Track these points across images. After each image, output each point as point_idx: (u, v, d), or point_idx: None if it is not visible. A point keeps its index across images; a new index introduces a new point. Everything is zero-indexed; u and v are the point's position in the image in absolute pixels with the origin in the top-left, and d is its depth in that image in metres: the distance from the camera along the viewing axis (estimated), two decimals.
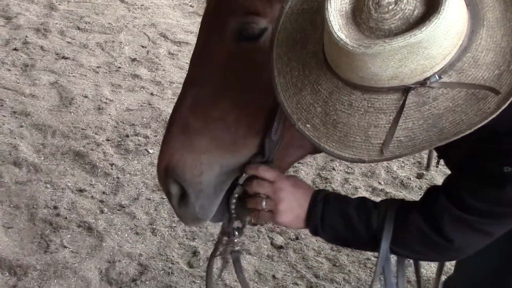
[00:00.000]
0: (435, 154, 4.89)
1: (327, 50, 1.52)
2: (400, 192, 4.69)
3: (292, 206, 1.84)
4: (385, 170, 4.95)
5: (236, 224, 1.99)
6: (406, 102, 1.43)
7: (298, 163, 4.99)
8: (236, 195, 1.93)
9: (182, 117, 1.87)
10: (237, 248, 2.03)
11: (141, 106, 5.61)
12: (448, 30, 1.40)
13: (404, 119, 1.44)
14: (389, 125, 1.44)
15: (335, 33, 1.42)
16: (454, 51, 1.44)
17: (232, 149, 1.86)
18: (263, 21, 1.75)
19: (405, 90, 1.43)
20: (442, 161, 2.12)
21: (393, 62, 1.39)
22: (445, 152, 1.87)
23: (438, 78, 1.43)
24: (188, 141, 1.85)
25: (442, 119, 1.42)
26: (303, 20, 1.64)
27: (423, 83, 1.43)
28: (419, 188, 4.75)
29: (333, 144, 1.50)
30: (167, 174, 1.89)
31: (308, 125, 1.53)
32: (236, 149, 1.86)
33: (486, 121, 1.41)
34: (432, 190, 1.84)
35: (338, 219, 1.82)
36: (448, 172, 1.92)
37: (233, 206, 1.94)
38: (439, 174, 4.82)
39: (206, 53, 1.87)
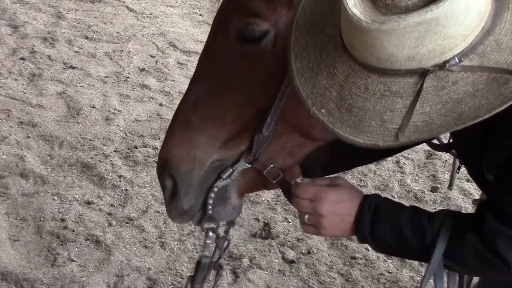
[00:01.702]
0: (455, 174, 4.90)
1: (343, 29, 1.50)
2: (414, 202, 4.67)
3: (335, 222, 1.84)
4: (398, 183, 4.95)
5: (210, 224, 2.01)
6: (424, 86, 1.41)
7: None
8: (216, 189, 1.96)
9: (183, 113, 1.94)
10: (206, 253, 2.07)
11: (150, 116, 5.64)
12: (468, 8, 1.36)
13: (421, 104, 1.42)
14: (406, 110, 1.42)
15: (350, 9, 1.40)
16: (475, 33, 1.40)
17: (225, 145, 1.91)
18: (265, 24, 1.78)
19: (423, 73, 1.41)
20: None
21: (409, 41, 1.36)
22: (474, 161, 1.82)
23: (458, 61, 1.40)
24: (186, 137, 1.91)
25: (461, 104, 1.40)
26: (322, 4, 1.64)
27: (442, 66, 1.40)
28: (433, 202, 4.74)
29: (348, 129, 1.49)
30: (163, 168, 1.95)
31: (322, 110, 1.53)
32: (229, 146, 1.91)
33: (506, 105, 1.38)
34: (481, 207, 1.78)
35: (389, 232, 1.79)
36: (466, 186, 1.92)
37: (210, 201, 1.96)
38: (454, 187, 4.81)
39: (211, 51, 1.93)
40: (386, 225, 1.79)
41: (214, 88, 1.88)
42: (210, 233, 2.04)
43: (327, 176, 1.99)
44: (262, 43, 1.79)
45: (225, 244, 2.14)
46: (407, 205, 1.87)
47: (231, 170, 1.93)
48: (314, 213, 1.85)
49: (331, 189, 1.85)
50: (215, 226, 2.03)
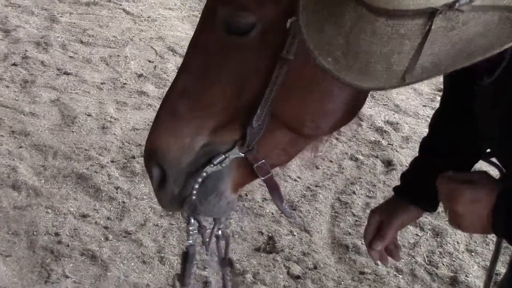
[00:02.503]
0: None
1: None
2: (426, 218, 4.69)
3: (473, 222, 1.87)
4: None
5: (192, 208, 2.04)
6: (433, 27, 1.41)
7: (316, 186, 5.01)
8: (205, 174, 1.98)
9: (171, 102, 1.99)
10: (190, 241, 2.13)
11: (148, 125, 5.65)
12: None
13: (430, 45, 1.41)
14: (413, 52, 1.42)
15: None
16: None
17: (216, 132, 1.96)
18: (251, 17, 1.81)
19: (432, 14, 1.41)
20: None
21: None
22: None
23: (468, 1, 1.40)
24: (173, 126, 1.97)
25: (471, 44, 1.39)
26: None
27: (451, 5, 1.40)
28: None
29: (354, 75, 1.49)
30: (150, 156, 2.01)
31: (329, 58, 1.53)
32: (221, 132, 1.96)
33: None
34: None
35: None
36: None
37: (196, 185, 1.98)
38: None
39: (199, 41, 1.98)
40: None
41: (202, 78, 1.94)
42: (192, 220, 2.10)
43: (468, 172, 2.04)
44: (250, 36, 1.83)
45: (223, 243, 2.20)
46: None
47: (223, 156, 1.97)
48: (451, 211, 1.89)
49: (465, 188, 1.86)
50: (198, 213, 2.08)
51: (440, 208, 4.68)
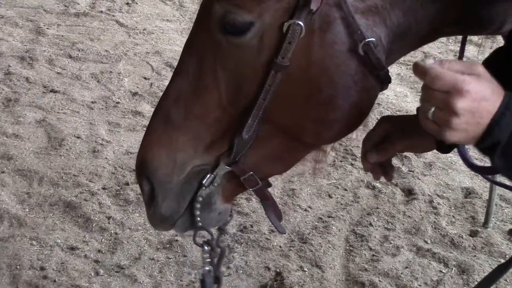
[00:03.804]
0: (493, 209, 4.91)
1: None
2: (451, 253, 4.71)
3: (469, 126, 1.72)
4: (432, 226, 4.98)
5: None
6: None
7: (329, 216, 5.04)
8: (201, 198, 2.06)
9: (164, 110, 2.04)
10: (206, 268, 2.18)
11: None
12: None
13: None
14: None
15: None
16: None
17: (207, 148, 2.01)
18: (248, 16, 1.85)
19: None
20: None
21: None
22: None
23: None
24: (167, 137, 2.02)
25: None
26: None
27: None
28: (473, 249, 4.77)
29: None
30: (141, 169, 2.08)
31: None
32: (211, 148, 2.02)
33: None
34: None
35: None
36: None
37: (197, 212, 2.06)
38: (496, 231, 4.85)
39: (194, 44, 2.03)
40: None
41: (196, 84, 1.98)
42: (206, 247, 2.17)
43: (467, 62, 1.81)
44: (246, 37, 1.87)
45: (219, 253, 2.25)
46: None
47: (212, 176, 2.03)
48: (446, 109, 1.71)
49: (473, 81, 1.70)
50: (210, 238, 2.16)
51: (467, 242, 4.70)
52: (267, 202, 2.18)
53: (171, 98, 2.03)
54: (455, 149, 2.29)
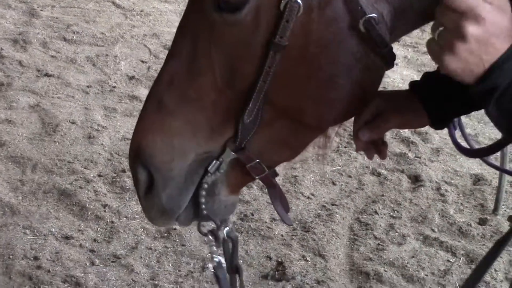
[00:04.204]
0: (503, 196, 4.90)
1: None
2: (459, 241, 4.70)
3: (472, 57, 1.68)
4: (439, 214, 4.97)
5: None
6: None
7: (333, 204, 5.03)
8: (206, 185, 2.02)
9: (158, 94, 2.00)
10: (216, 260, 2.14)
11: None
12: None
13: None
14: None
15: None
16: None
17: (208, 134, 1.98)
18: None
19: None
20: None
21: None
22: None
23: None
24: (162, 122, 1.99)
25: None
26: None
27: None
28: (481, 237, 4.76)
29: None
30: (136, 156, 2.02)
31: None
32: (213, 134, 1.98)
33: None
34: None
35: None
36: None
37: (203, 199, 2.02)
38: (506, 219, 4.83)
39: (188, 23, 1.99)
40: None
41: (190, 66, 1.95)
42: (210, 237, 2.13)
43: None
44: (242, 14, 1.84)
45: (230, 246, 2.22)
46: None
47: (218, 162, 2.00)
48: (454, 30, 1.67)
49: (494, 11, 1.65)
50: (214, 227, 2.11)
51: (475, 231, 4.71)
52: (274, 190, 2.15)
53: (164, 81, 1.99)
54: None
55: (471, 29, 1.64)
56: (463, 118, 2.31)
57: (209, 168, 2.00)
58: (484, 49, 1.65)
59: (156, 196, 2.02)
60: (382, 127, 2.28)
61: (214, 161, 2.00)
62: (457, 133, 2.27)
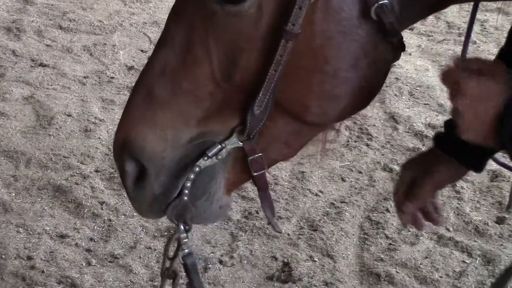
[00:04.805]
0: None
1: None
2: (475, 241, 4.69)
3: (475, 125, 1.85)
4: (454, 212, 4.96)
5: (178, 213, 2.08)
6: None
7: (342, 202, 5.02)
8: (197, 169, 2.01)
9: (147, 84, 2.00)
10: (186, 250, 2.15)
11: None
12: None
13: None
14: None
15: None
16: None
17: (205, 123, 1.99)
18: None
19: None
20: None
21: None
22: None
23: None
24: (152, 113, 1.99)
25: None
26: None
27: None
28: (499, 237, 4.75)
29: None
30: (124, 148, 2.03)
31: None
32: (210, 123, 1.99)
33: None
34: None
35: None
36: None
37: (188, 183, 2.01)
38: None
39: (183, 8, 1.98)
40: None
41: (185, 55, 1.95)
42: (182, 226, 2.11)
43: (486, 60, 1.97)
44: (245, 4, 1.84)
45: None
46: None
47: (219, 146, 2.00)
48: (454, 103, 1.87)
49: (474, 78, 1.84)
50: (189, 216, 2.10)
51: (493, 230, 4.69)
52: (265, 194, 2.15)
53: (155, 72, 1.99)
54: None
55: (460, 101, 1.84)
56: None
57: (208, 152, 2.00)
58: (482, 114, 1.82)
59: (148, 186, 2.02)
60: (421, 194, 2.34)
61: (217, 145, 2.00)
62: None
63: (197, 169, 2.00)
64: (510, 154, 1.88)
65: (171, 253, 2.23)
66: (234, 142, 2.00)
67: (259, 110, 1.93)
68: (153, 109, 1.98)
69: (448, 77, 1.88)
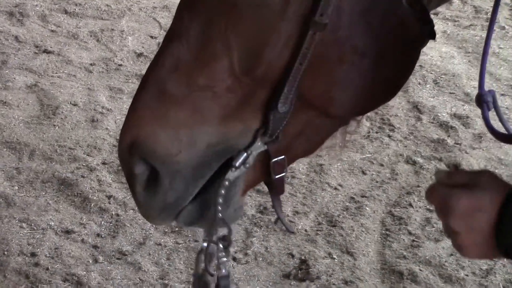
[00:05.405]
0: None
1: None
2: None
3: (476, 241, 1.87)
4: None
5: (222, 230, 2.05)
6: None
7: (362, 196, 5.01)
8: (227, 183, 1.98)
9: (158, 80, 1.95)
10: (224, 272, 2.08)
11: None
12: None
13: None
14: None
15: None
16: None
17: (224, 124, 1.95)
18: None
19: None
20: None
21: None
22: None
23: None
24: (164, 111, 1.93)
25: None
26: None
27: None
28: None
29: None
30: (133, 150, 1.96)
31: None
32: (230, 124, 1.95)
33: None
34: None
35: None
36: None
37: (220, 200, 1.98)
38: None
39: (196, 2, 1.95)
40: None
41: (199, 51, 1.91)
42: (221, 245, 2.07)
43: (471, 171, 2.02)
44: None
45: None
46: None
47: (245, 154, 1.97)
48: (447, 228, 1.89)
49: (463, 194, 1.87)
50: (226, 234, 2.07)
51: None
52: (278, 196, 2.13)
53: (166, 67, 1.94)
54: None
55: (451, 221, 1.86)
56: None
57: (233, 162, 1.96)
58: (477, 229, 1.84)
59: (161, 192, 1.97)
60: None
61: (242, 154, 1.97)
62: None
63: (226, 183, 1.97)
64: None
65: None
66: (259, 147, 1.97)
67: (283, 106, 1.90)
68: (165, 107, 1.93)
69: (434, 195, 1.91)
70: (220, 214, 2.00)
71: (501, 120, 2.24)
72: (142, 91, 1.98)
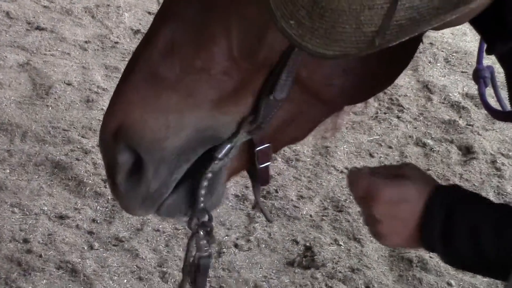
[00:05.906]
0: None
1: None
2: None
3: (396, 229, 1.96)
4: (494, 191, 4.95)
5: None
6: None
7: None
8: (210, 175, 1.99)
9: (147, 62, 1.93)
10: (205, 254, 2.15)
11: None
12: None
13: None
14: (388, 5, 1.47)
15: None
16: None
17: (215, 109, 1.94)
18: None
19: None
20: None
21: None
22: None
23: None
24: (152, 95, 1.92)
25: None
26: None
27: None
28: None
29: (317, 40, 1.54)
30: (118, 136, 1.94)
31: (291, 21, 1.57)
32: (221, 109, 1.95)
33: None
34: None
35: (466, 242, 1.89)
36: None
37: (203, 191, 2.00)
38: None
39: None
40: (463, 235, 1.89)
41: (197, 32, 1.90)
42: (202, 232, 2.11)
43: (393, 165, 2.10)
44: None
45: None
46: (498, 203, 1.95)
47: (229, 146, 1.97)
48: (369, 216, 1.98)
49: (389, 183, 1.96)
50: (206, 220, 2.09)
51: None
52: (259, 186, 2.19)
53: (158, 47, 1.92)
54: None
55: (376, 209, 1.95)
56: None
57: (216, 154, 1.96)
58: (400, 218, 1.94)
59: (144, 181, 1.96)
60: None
61: (225, 145, 1.97)
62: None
63: (210, 175, 1.98)
64: (440, 255, 1.98)
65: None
66: (243, 137, 1.98)
67: (281, 93, 1.90)
68: (156, 91, 1.91)
69: (360, 182, 1.99)
70: (202, 205, 2.02)
71: (497, 96, 2.28)
72: (130, 73, 1.96)
